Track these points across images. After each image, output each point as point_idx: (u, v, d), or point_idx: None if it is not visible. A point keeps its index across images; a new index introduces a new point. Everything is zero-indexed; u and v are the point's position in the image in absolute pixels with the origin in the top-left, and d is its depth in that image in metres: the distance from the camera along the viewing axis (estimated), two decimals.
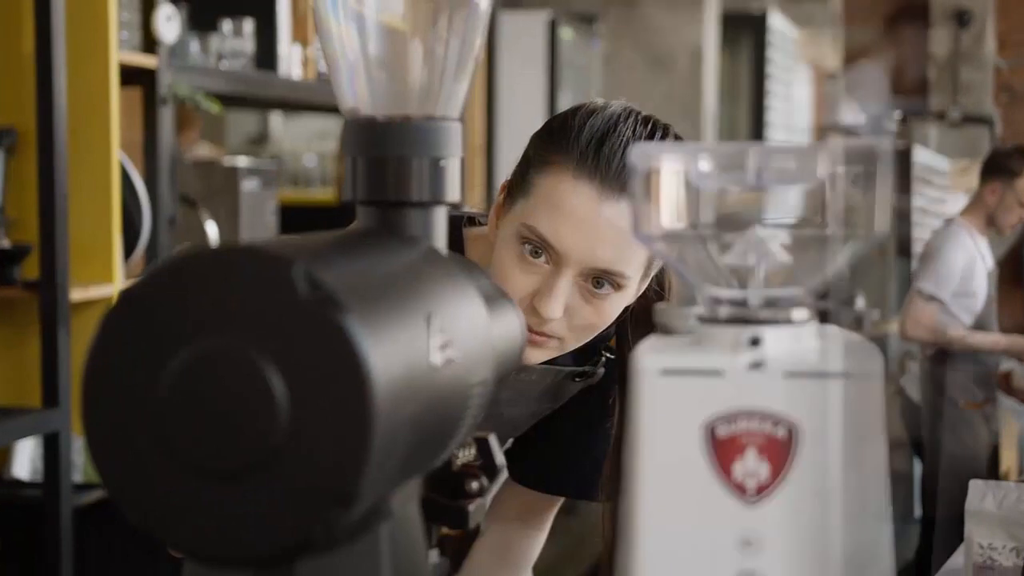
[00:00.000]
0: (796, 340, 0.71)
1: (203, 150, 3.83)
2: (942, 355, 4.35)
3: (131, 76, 2.64)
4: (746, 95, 7.32)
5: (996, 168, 4.36)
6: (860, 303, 5.19)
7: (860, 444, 0.69)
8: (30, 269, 2.42)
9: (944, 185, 7.87)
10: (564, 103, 5.96)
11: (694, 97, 5.50)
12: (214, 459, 0.62)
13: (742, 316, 0.71)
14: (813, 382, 0.69)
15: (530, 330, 1.25)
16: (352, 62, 0.83)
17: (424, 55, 0.84)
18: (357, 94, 0.84)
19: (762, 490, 0.69)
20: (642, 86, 5.05)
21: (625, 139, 1.24)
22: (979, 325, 4.36)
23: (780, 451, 0.68)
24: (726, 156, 0.72)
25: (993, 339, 4.41)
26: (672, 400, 0.70)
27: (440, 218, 0.84)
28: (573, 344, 1.30)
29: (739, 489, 0.69)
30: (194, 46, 2.94)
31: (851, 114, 5.17)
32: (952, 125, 8.32)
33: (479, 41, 0.86)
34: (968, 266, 4.30)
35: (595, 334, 1.30)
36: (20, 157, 2.46)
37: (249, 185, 3.02)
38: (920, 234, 7.25)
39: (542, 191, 1.24)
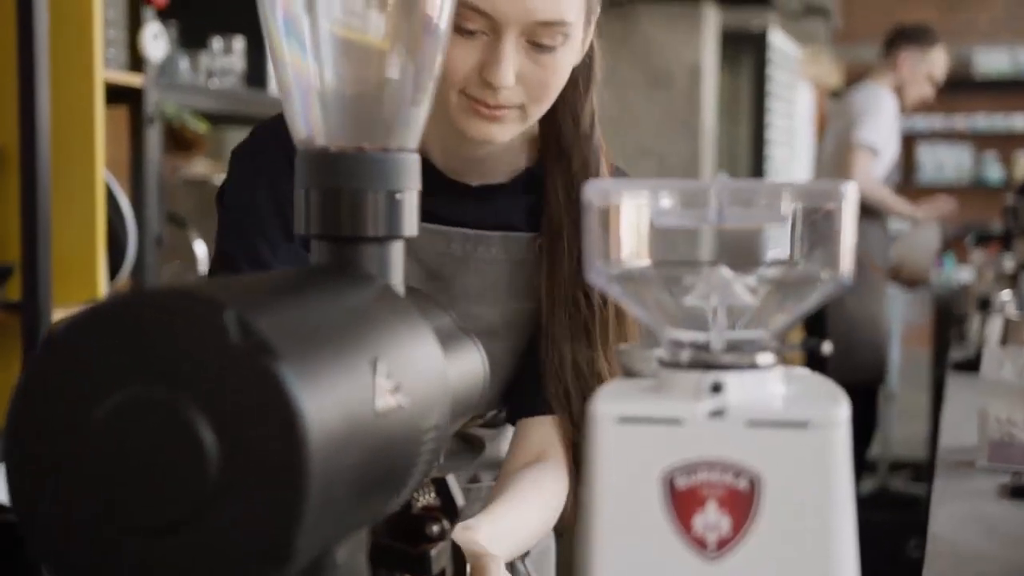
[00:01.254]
0: (760, 386, 0.68)
1: (200, 167, 3.81)
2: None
3: (118, 95, 2.61)
4: (747, 112, 7.29)
5: (910, 38, 4.41)
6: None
7: (826, 495, 0.65)
8: (12, 290, 2.39)
9: (794, 70, 7.93)
10: None
11: (693, 115, 5.47)
12: (141, 513, 0.59)
13: (704, 360, 0.68)
14: (777, 431, 0.65)
15: (486, 105, 1.22)
16: (305, 90, 0.81)
17: (379, 83, 0.81)
18: (311, 124, 0.81)
19: (723, 545, 0.65)
20: (641, 104, 5.01)
21: None
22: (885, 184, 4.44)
23: (742, 504, 0.65)
24: (687, 194, 0.69)
25: (912, 208, 4.57)
26: (630, 449, 0.67)
27: (397, 253, 0.81)
28: (536, 112, 1.25)
29: (699, 544, 0.66)
30: (183, 64, 2.91)
31: None
32: (791, 16, 8.29)
33: (437, 66, 0.83)
34: (891, 123, 4.35)
35: (553, 96, 1.25)
36: (3, 176, 2.43)
37: None
38: (772, 120, 7.28)
39: None
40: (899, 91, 4.40)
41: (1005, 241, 4.22)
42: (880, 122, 4.27)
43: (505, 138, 1.26)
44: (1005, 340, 2.82)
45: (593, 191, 0.69)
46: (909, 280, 4.80)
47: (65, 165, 2.43)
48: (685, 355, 0.69)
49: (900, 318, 5.92)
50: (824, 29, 9.47)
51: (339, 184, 0.78)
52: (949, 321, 4.81)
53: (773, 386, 0.68)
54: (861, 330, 4.21)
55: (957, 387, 2.71)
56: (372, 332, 0.70)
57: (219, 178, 3.24)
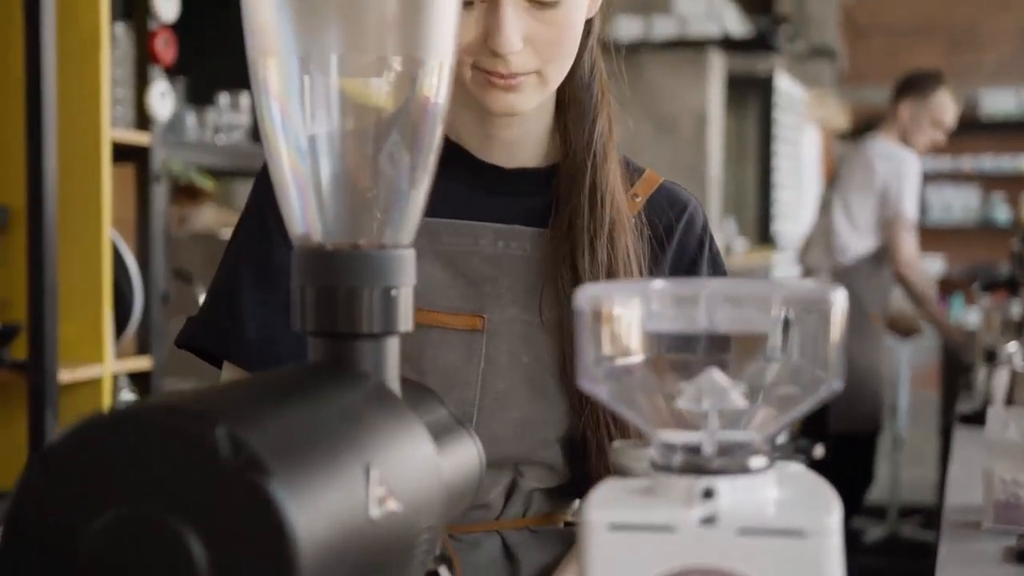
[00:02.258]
0: (752, 491, 0.68)
1: (209, 213, 3.82)
2: (859, 267, 4.39)
3: (125, 153, 2.63)
4: (753, 155, 7.31)
5: (910, 87, 4.46)
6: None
7: None
8: (18, 349, 2.40)
9: (800, 113, 7.94)
10: None
11: (699, 161, 5.49)
12: None
13: (696, 465, 0.68)
14: (769, 540, 0.65)
15: (500, 75, 1.16)
16: (301, 188, 0.81)
17: (375, 180, 0.82)
18: (307, 221, 0.82)
19: None
20: (647, 150, 5.03)
21: None
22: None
23: None
24: (677, 297, 0.69)
25: (934, 302, 4.54)
26: (622, 556, 0.67)
27: (392, 349, 0.81)
28: (555, 74, 1.18)
29: None
30: (191, 119, 2.93)
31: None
32: (797, 59, 8.31)
33: (432, 160, 0.84)
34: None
35: (568, 54, 1.18)
36: (11, 236, 2.44)
37: None
38: (779, 163, 7.29)
39: None
40: (905, 140, 4.43)
41: (1012, 287, 4.21)
42: (915, 193, 4.33)
43: (528, 106, 1.19)
44: (1012, 393, 2.81)
45: (583, 297, 0.69)
46: (904, 330, 4.81)
47: (72, 224, 2.45)
48: (677, 459, 0.69)
49: (908, 362, 5.91)
50: (830, 71, 9.51)
51: (335, 282, 0.79)
52: (956, 368, 4.80)
53: (765, 491, 0.68)
54: (860, 379, 4.21)
55: (963, 442, 2.71)
56: (365, 437, 0.70)
57: (226, 232, 3.26)
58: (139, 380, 2.74)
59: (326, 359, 0.80)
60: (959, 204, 9.97)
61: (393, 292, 0.80)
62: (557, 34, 1.15)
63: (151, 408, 0.61)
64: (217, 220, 3.80)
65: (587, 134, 1.24)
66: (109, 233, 2.49)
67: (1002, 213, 9.88)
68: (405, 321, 0.81)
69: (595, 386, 0.70)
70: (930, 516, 5.34)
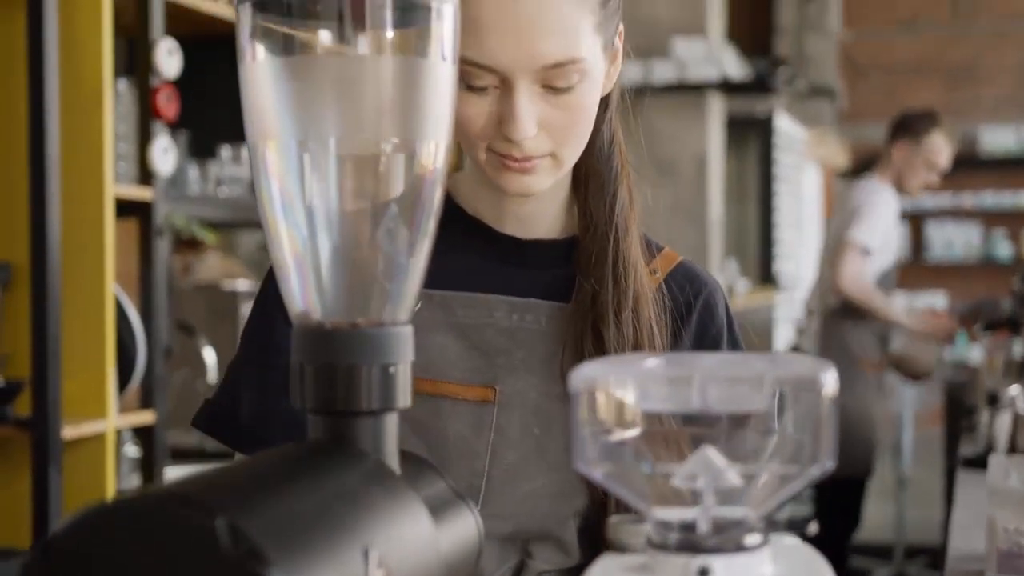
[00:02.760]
0: (747, 569, 0.68)
1: (213, 262, 3.83)
2: (846, 311, 4.37)
3: (127, 207, 2.64)
4: (754, 195, 7.34)
5: (903, 128, 4.47)
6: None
7: None
8: (22, 406, 2.41)
9: (801, 152, 7.96)
10: None
11: (700, 203, 5.52)
12: None
13: (691, 543, 0.69)
14: None
15: (515, 159, 1.15)
16: (300, 267, 0.82)
17: (373, 259, 0.83)
18: (306, 298, 0.83)
19: None
20: (647, 194, 5.05)
21: None
22: (880, 285, 4.41)
23: None
24: (671, 378, 0.70)
25: (905, 318, 4.50)
26: None
27: (391, 425, 0.82)
28: (569, 156, 1.17)
29: None
30: (193, 173, 2.95)
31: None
32: (797, 98, 8.33)
33: (429, 236, 0.85)
34: (889, 223, 4.37)
35: (582, 135, 1.17)
36: (14, 292, 2.46)
37: (249, 309, 3.01)
38: (780, 203, 7.30)
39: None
40: (899, 181, 4.45)
41: (1013, 326, 4.21)
42: (875, 222, 4.31)
43: (543, 187, 1.19)
44: (1015, 437, 2.81)
45: (579, 378, 0.70)
46: (910, 374, 4.80)
47: (75, 280, 2.46)
48: (673, 537, 0.70)
49: (912, 400, 5.91)
50: (830, 110, 9.56)
51: (334, 360, 0.80)
52: (960, 408, 4.79)
53: (761, 568, 0.69)
54: (852, 425, 4.20)
55: (967, 486, 2.70)
56: (364, 519, 0.71)
57: (229, 283, 3.27)
58: (142, 434, 2.75)
59: (325, 436, 0.81)
60: (960, 241, 9.99)
61: (391, 369, 0.81)
62: (571, 118, 1.14)
63: (152, 497, 0.62)
64: (221, 269, 3.82)
65: (608, 207, 1.24)
66: (112, 288, 2.50)
67: (1004, 249, 9.90)
68: (403, 397, 0.82)
69: (590, 466, 0.71)
70: (936, 556, 5.33)
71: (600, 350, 1.19)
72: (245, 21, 0.80)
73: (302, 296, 0.83)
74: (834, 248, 4.38)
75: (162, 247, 2.68)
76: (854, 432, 4.28)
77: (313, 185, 0.81)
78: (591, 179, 1.26)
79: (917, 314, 4.77)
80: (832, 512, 4.37)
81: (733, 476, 0.71)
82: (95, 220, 2.47)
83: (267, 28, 0.80)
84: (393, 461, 0.81)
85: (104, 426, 2.51)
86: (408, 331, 0.83)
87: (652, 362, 0.73)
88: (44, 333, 2.35)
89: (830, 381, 0.69)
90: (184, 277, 3.59)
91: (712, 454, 0.71)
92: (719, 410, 0.70)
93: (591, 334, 1.21)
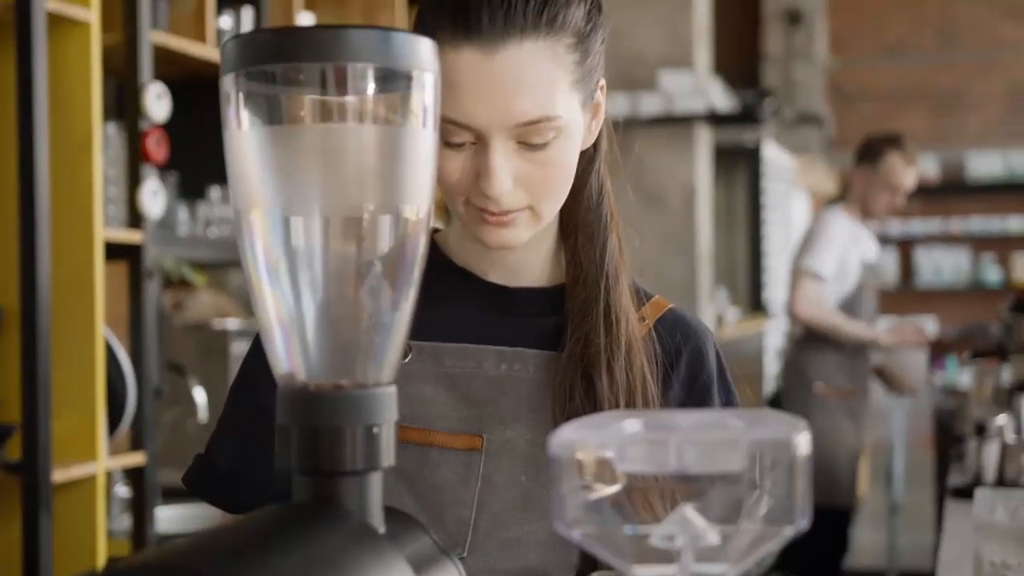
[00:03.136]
0: None
1: (205, 298, 3.84)
2: (808, 339, 4.37)
3: (117, 250, 2.66)
4: (743, 224, 7.37)
5: (863, 154, 4.49)
6: None
7: None
8: (12, 450, 2.41)
9: (789, 180, 8.00)
10: None
11: (689, 234, 5.54)
12: None
13: None
14: None
15: (492, 213, 1.16)
16: (285, 330, 0.84)
17: (357, 322, 0.84)
18: (291, 360, 0.84)
19: None
20: (636, 224, 5.06)
21: None
22: (849, 309, 4.39)
23: None
24: (648, 443, 0.72)
25: (872, 333, 4.45)
26: None
27: (375, 484, 0.83)
28: (548, 210, 1.18)
29: None
30: (183, 214, 2.97)
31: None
32: (785, 124, 8.35)
33: (410, 302, 0.86)
34: (845, 249, 4.36)
35: (561, 189, 1.18)
36: (4, 336, 2.47)
37: (240, 348, 3.02)
38: (768, 231, 7.32)
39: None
40: (864, 207, 4.47)
41: (1001, 353, 4.22)
42: (826, 248, 4.32)
43: (523, 240, 1.19)
44: (1003, 467, 2.82)
45: (557, 443, 0.72)
46: (894, 386, 4.81)
47: (65, 324, 2.47)
48: None
49: (902, 428, 5.92)
50: (818, 137, 9.61)
51: (319, 422, 0.81)
52: (949, 434, 4.80)
53: None
54: (824, 455, 4.18)
55: (955, 516, 2.71)
56: None
57: (219, 322, 3.28)
58: (133, 474, 2.75)
59: (311, 497, 0.82)
60: (949, 266, 10.03)
61: (375, 430, 0.82)
62: (547, 173, 1.16)
63: (139, 567, 0.63)
64: (212, 305, 3.83)
65: (598, 256, 1.24)
66: (102, 331, 2.51)
67: (993, 274, 9.94)
68: (387, 456, 0.83)
69: (570, 526, 0.73)
70: None
71: (591, 399, 1.20)
72: (230, 90, 0.82)
73: (287, 358, 0.84)
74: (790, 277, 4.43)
75: (151, 289, 2.69)
76: (829, 460, 4.26)
77: (297, 250, 0.83)
78: (580, 229, 1.27)
79: (891, 328, 4.77)
80: (819, 540, 4.38)
81: (711, 535, 0.72)
82: (85, 263, 2.48)
83: (252, 97, 0.81)
84: (378, 520, 0.83)
85: (95, 468, 2.52)
86: (391, 391, 0.84)
87: (630, 424, 0.74)
88: (34, 376, 2.36)
89: (803, 443, 0.70)
90: (176, 314, 3.60)
91: (690, 513, 0.72)
92: (696, 471, 0.72)
93: (582, 383, 1.22)
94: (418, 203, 0.84)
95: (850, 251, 4.37)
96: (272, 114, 0.83)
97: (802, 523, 0.71)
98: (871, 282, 4.51)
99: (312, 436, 0.81)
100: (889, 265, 10.12)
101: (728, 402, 1.30)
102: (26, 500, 2.34)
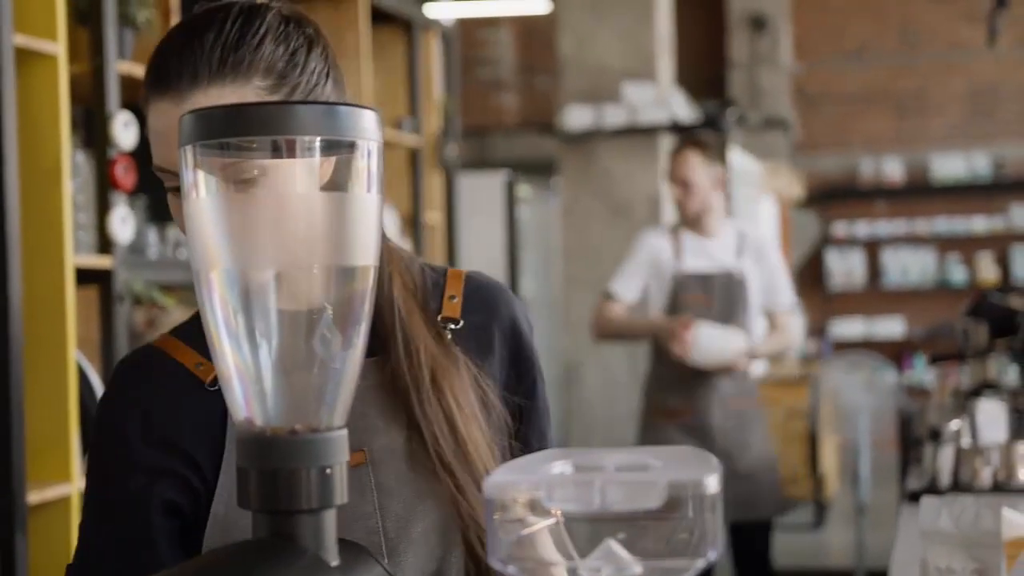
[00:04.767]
0: None
1: (177, 315, 3.88)
2: (649, 368, 4.22)
3: (87, 275, 2.71)
4: None
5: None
6: None
7: None
8: None
9: (756, 184, 8.07)
10: (525, 257, 6.10)
11: None
12: None
13: None
14: None
15: None
16: (242, 379, 0.90)
17: (309, 371, 0.91)
18: (249, 407, 0.91)
19: None
20: (602, 234, 5.15)
21: (192, 28, 1.20)
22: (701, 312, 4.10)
23: None
24: (576, 483, 0.79)
25: (642, 322, 4.20)
26: None
27: (329, 521, 0.90)
28: None
29: None
30: (152, 237, 3.02)
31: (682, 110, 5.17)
32: (751, 130, 8.40)
33: (360, 348, 0.93)
34: (646, 265, 4.14)
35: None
36: None
37: None
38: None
39: (149, 128, 1.22)
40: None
41: (962, 357, 4.30)
42: (626, 268, 4.15)
43: None
44: (957, 471, 2.89)
45: (492, 485, 0.79)
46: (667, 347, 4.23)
47: (37, 349, 2.52)
48: None
49: (868, 428, 6.02)
50: (784, 141, 9.72)
51: (276, 465, 0.88)
52: (910, 435, 4.87)
53: None
54: (735, 465, 4.13)
55: (909, 521, 2.78)
56: None
57: None
58: None
59: (268, 534, 0.89)
60: (916, 267, 10.16)
61: (328, 470, 0.89)
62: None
63: None
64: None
65: (387, 292, 1.29)
66: (74, 355, 2.57)
67: (958, 274, 10.08)
68: (340, 495, 0.90)
69: (504, 562, 0.80)
70: None
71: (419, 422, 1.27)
72: (188, 161, 0.88)
73: (245, 405, 0.91)
74: None
75: (122, 313, 2.74)
76: (738, 471, 4.17)
77: (253, 305, 0.90)
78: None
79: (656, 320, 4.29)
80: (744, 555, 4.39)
81: (635, 567, 0.79)
82: (56, 289, 2.54)
83: (208, 167, 0.88)
84: (332, 553, 0.90)
85: (69, 489, 2.57)
86: (343, 434, 0.91)
87: (558, 467, 0.81)
88: (8, 400, 2.42)
89: (713, 483, 0.77)
90: (149, 332, 3.64)
91: (615, 546, 0.80)
92: (618, 509, 0.79)
93: (404, 408, 1.28)
94: (365, 258, 0.91)
95: (658, 263, 4.15)
96: (226, 182, 0.90)
97: (712, 555, 0.78)
98: (692, 295, 4.17)
99: (269, 478, 0.88)
100: (856, 266, 10.24)
101: (538, 370, 1.37)
102: (1, 522, 2.39)
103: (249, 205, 0.91)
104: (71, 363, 2.55)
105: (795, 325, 4.35)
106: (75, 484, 2.58)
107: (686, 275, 4.14)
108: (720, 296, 4.14)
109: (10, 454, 2.41)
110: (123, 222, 2.73)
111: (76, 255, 2.62)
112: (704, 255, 4.15)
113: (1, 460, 2.43)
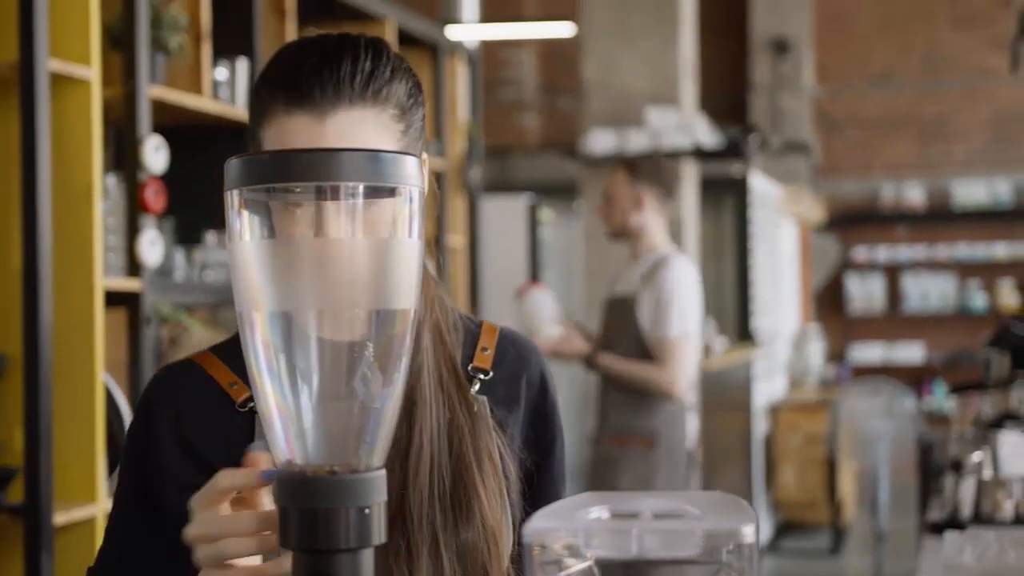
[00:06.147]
0: None
1: (199, 334, 3.90)
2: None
3: (116, 298, 2.74)
4: (730, 253, 7.45)
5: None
6: None
7: None
8: (14, 493, 2.49)
9: (777, 208, 8.05)
10: (547, 279, 6.11)
11: None
12: None
13: None
14: None
15: None
16: (284, 420, 0.92)
17: (349, 412, 0.93)
18: (290, 448, 0.92)
19: None
20: (624, 260, 5.15)
21: (324, 49, 1.21)
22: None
23: None
24: (612, 532, 0.80)
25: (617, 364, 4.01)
26: None
27: (367, 561, 0.91)
28: None
29: None
30: (179, 259, 3.05)
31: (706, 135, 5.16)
32: (773, 153, 8.38)
33: (399, 388, 0.94)
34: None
35: None
36: (7, 382, 2.54)
37: None
38: (756, 260, 7.38)
39: (269, 142, 1.20)
40: None
41: (983, 386, 4.28)
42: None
43: None
44: (979, 503, 2.89)
45: (530, 532, 0.80)
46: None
47: (66, 371, 2.55)
48: None
49: (887, 456, 6.00)
50: (805, 165, 9.72)
51: (315, 504, 0.90)
52: (932, 463, 4.85)
53: None
54: None
55: (930, 553, 2.77)
56: None
57: None
58: None
59: (307, 573, 0.90)
60: (936, 292, 10.12)
61: (367, 511, 0.90)
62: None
63: None
64: (206, 342, 3.89)
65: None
66: (102, 377, 2.59)
67: (979, 300, 10.04)
68: (379, 535, 0.91)
69: None
70: None
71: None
72: (233, 205, 0.90)
73: (286, 446, 0.93)
74: None
75: (149, 335, 2.77)
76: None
77: (295, 347, 0.91)
78: None
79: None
80: None
81: None
82: (85, 311, 2.56)
83: (253, 212, 0.90)
84: None
85: (95, 510, 2.59)
86: (381, 474, 0.92)
87: (595, 512, 0.83)
88: (36, 422, 2.44)
89: (750, 532, 0.79)
90: (171, 349, 3.67)
91: None
92: (656, 556, 0.80)
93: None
94: (406, 302, 0.92)
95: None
96: (271, 227, 0.92)
97: None
98: (613, 319, 4.12)
99: (309, 517, 0.90)
100: (877, 291, 10.21)
101: (559, 431, 1.36)
102: (28, 542, 2.41)
103: (291, 249, 0.92)
104: (99, 385, 2.57)
105: (676, 362, 3.94)
106: (101, 505, 2.60)
107: (606, 299, 4.17)
108: (611, 320, 4.08)
109: (38, 474, 2.44)
110: (152, 245, 2.75)
111: (105, 278, 2.65)
112: (623, 280, 4.14)
113: (29, 480, 2.45)
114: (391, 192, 0.90)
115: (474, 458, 1.25)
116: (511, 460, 1.29)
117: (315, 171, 0.88)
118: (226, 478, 0.99)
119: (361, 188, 0.89)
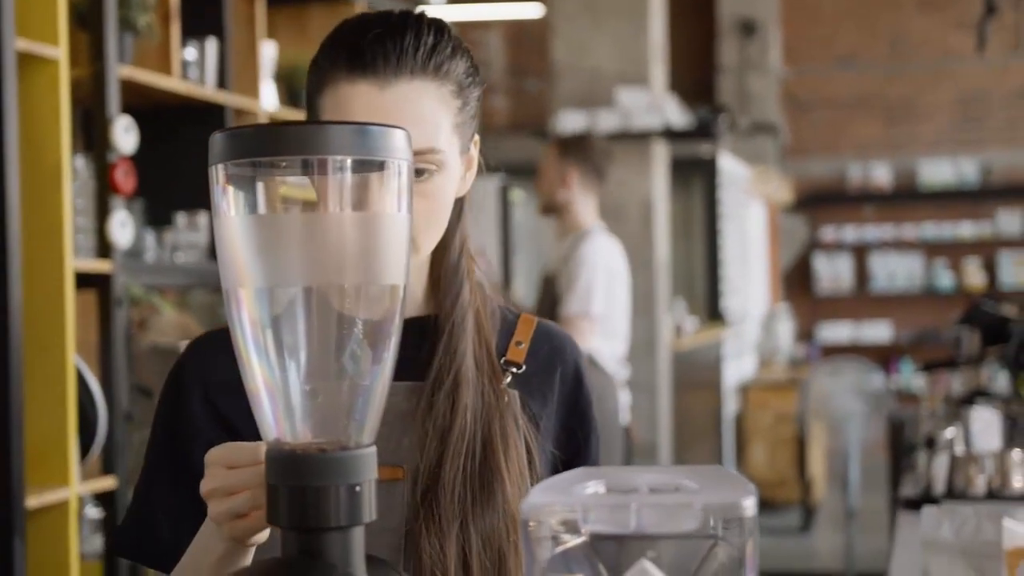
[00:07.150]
0: None
1: (169, 316, 3.87)
2: None
3: (87, 279, 2.71)
4: (699, 234, 7.47)
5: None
6: None
7: None
8: None
9: (745, 189, 8.10)
10: (518, 262, 6.11)
11: (647, 247, 5.63)
12: None
13: None
14: None
15: None
16: (272, 397, 0.91)
17: (338, 389, 0.91)
18: (278, 426, 0.91)
19: None
20: None
21: (388, 22, 1.22)
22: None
23: None
24: (610, 507, 0.79)
25: None
26: None
27: (358, 538, 0.90)
28: (427, 243, 1.25)
29: None
30: (150, 241, 3.02)
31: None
32: (741, 134, 8.42)
33: (389, 365, 0.93)
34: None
35: (441, 224, 1.25)
36: None
37: None
38: (725, 240, 7.43)
39: (327, 111, 1.22)
40: None
41: (952, 364, 4.30)
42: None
43: None
44: (952, 479, 2.90)
45: (528, 507, 0.79)
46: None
47: (37, 353, 2.52)
48: None
49: (858, 434, 6.04)
50: (773, 146, 9.74)
51: (305, 483, 0.88)
52: (902, 441, 4.88)
53: None
54: None
55: (905, 529, 2.79)
56: None
57: (183, 343, 3.33)
58: (104, 498, 2.80)
59: (298, 551, 0.89)
60: (903, 272, 10.18)
61: (357, 488, 0.89)
62: (428, 205, 1.22)
63: None
64: (176, 323, 3.86)
65: (450, 307, 1.29)
66: (73, 359, 2.56)
67: (945, 279, 10.11)
68: (369, 512, 0.90)
69: None
70: None
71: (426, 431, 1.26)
72: (218, 180, 0.88)
73: (275, 423, 0.91)
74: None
75: (120, 317, 2.74)
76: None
77: (281, 323, 0.90)
78: (442, 279, 1.31)
79: None
80: None
81: None
82: (56, 294, 2.53)
83: (238, 187, 0.88)
84: (360, 570, 0.90)
85: (67, 493, 2.57)
86: (372, 451, 0.91)
87: (592, 488, 0.82)
88: (7, 404, 2.41)
89: (749, 505, 0.78)
90: (140, 332, 3.64)
91: (648, 566, 0.80)
92: (654, 531, 0.79)
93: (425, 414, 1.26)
94: (395, 277, 0.91)
95: None
96: (256, 202, 0.90)
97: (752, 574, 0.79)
98: (542, 296, 4.20)
99: (299, 495, 0.89)
100: (844, 271, 10.26)
101: (594, 426, 1.36)
102: (0, 526, 2.38)
103: (277, 225, 0.91)
104: (70, 367, 2.54)
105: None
106: (73, 488, 2.58)
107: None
108: (541, 297, 4.17)
109: (9, 458, 2.41)
110: (122, 227, 2.72)
111: (76, 259, 2.62)
112: (553, 258, 4.23)
113: (1, 465, 2.42)
114: (380, 166, 0.89)
115: (501, 444, 1.25)
116: (536, 452, 1.29)
117: (301, 144, 0.87)
118: (247, 453, 1.00)
119: (349, 162, 0.88)
